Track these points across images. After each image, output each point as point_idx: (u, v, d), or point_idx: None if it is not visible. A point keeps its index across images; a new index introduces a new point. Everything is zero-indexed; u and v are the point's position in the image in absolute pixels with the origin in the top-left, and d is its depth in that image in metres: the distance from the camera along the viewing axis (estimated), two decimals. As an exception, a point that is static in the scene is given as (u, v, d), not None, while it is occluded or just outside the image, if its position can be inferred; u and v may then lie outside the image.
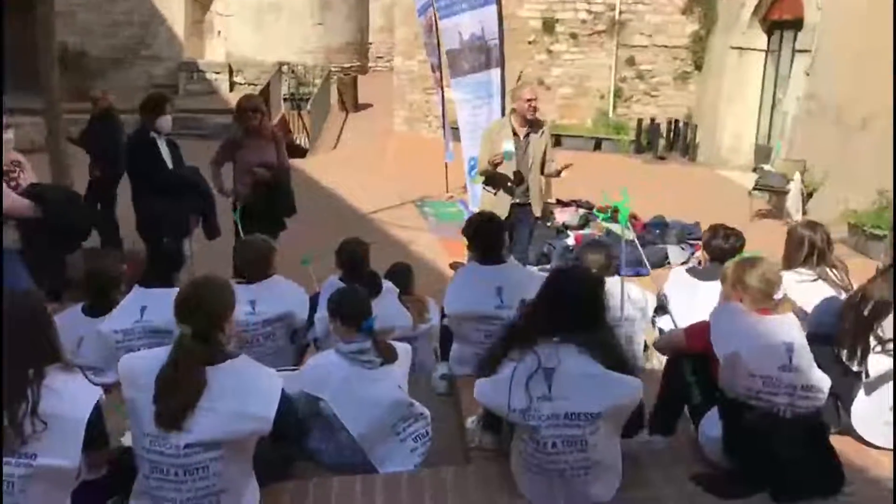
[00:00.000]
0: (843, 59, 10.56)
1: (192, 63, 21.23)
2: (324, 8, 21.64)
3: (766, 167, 11.18)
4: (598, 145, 15.87)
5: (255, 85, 19.29)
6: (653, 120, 15.74)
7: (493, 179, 6.14)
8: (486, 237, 4.22)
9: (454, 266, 5.45)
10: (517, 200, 6.15)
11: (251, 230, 6.44)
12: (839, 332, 3.16)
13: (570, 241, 8.80)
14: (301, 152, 16.54)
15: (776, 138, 12.73)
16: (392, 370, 3.40)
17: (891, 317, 3.03)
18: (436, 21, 9.19)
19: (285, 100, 19.18)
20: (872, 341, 3.06)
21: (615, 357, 2.86)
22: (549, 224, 9.34)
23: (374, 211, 11.12)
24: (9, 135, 4.70)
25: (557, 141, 15.73)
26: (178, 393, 2.69)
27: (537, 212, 6.33)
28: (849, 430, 3.23)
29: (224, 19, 21.47)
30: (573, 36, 16.12)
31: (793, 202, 10.43)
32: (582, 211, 9.68)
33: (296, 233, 7.01)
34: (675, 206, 10.64)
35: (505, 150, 5.89)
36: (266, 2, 21.10)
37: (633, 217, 9.82)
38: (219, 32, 21.76)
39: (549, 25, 16.08)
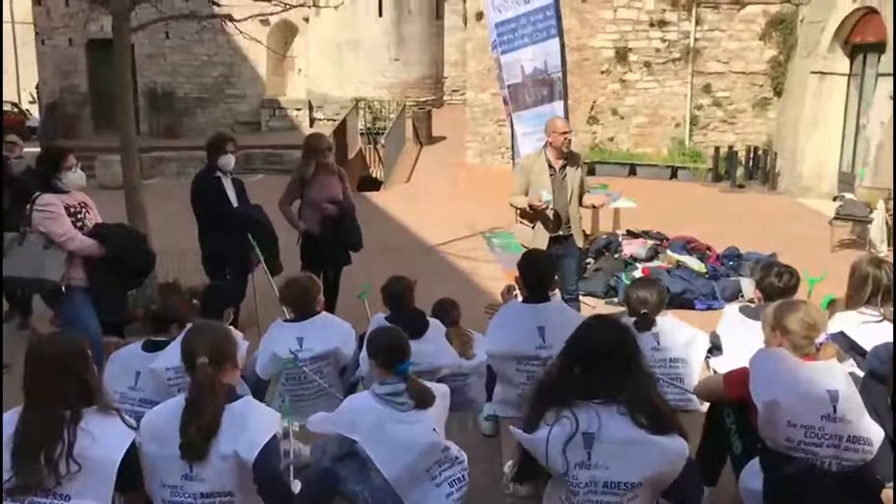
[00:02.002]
0: (930, 82, 10.10)
1: (273, 100, 21.94)
2: (400, 43, 22.07)
3: (848, 195, 10.73)
4: (674, 174, 15.62)
5: (334, 120, 19.76)
6: (731, 147, 15.36)
7: (527, 214, 6.10)
8: (534, 275, 4.16)
9: (489, 310, 5.39)
10: (559, 233, 6.09)
11: (318, 266, 6.62)
12: (892, 378, 2.95)
13: (638, 273, 8.60)
14: (375, 185, 16.81)
15: (860, 165, 12.23)
16: (426, 413, 3.36)
17: None
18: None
19: (361, 134, 19.56)
20: None
21: (658, 415, 2.67)
22: (616, 256, 9.17)
23: (442, 242, 11.16)
24: (77, 172, 4.91)
25: (632, 170, 15.61)
26: (202, 416, 2.79)
27: (579, 243, 6.24)
28: (908, 485, 3.02)
29: (305, 57, 22.12)
30: (647, 64, 15.96)
31: (877, 232, 9.96)
32: (651, 243, 9.46)
33: (362, 265, 7.09)
34: (752, 237, 10.33)
35: (544, 198, 5.85)
36: (344, 39, 21.65)
37: (708, 248, 9.60)
38: (299, 70, 22.42)
39: (621, 55, 15.98)
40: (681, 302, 8.06)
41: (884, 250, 10.04)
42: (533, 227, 6.15)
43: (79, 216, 4.89)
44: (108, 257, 4.84)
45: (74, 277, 4.81)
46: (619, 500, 2.63)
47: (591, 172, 15.38)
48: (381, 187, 16.53)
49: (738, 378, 2.98)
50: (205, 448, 2.78)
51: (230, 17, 7.62)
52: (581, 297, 7.32)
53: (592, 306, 7.45)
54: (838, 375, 2.84)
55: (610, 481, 2.62)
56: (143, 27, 7.47)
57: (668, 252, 9.23)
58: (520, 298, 4.43)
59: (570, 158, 6.12)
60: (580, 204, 6.26)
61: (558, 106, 8.43)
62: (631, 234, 9.98)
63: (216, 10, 7.96)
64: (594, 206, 6.30)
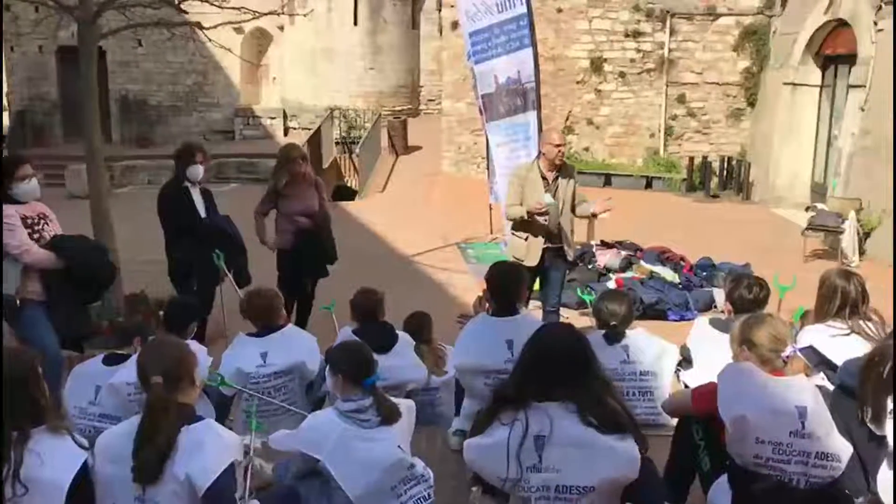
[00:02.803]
0: (899, 93, 10.18)
1: (247, 109, 21.78)
2: (375, 52, 22.01)
3: (820, 206, 10.79)
4: (648, 184, 15.66)
5: (309, 129, 19.67)
6: (705, 158, 15.45)
7: (523, 225, 6.03)
8: (503, 287, 4.09)
9: (461, 320, 5.33)
10: (549, 245, 6.02)
11: (294, 278, 6.53)
12: (861, 392, 2.91)
13: (612, 284, 8.56)
14: (351, 195, 16.73)
15: (832, 176, 12.32)
16: (391, 430, 3.28)
17: None
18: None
19: (336, 144, 19.46)
20: (890, 404, 2.80)
21: (611, 417, 2.67)
22: (590, 267, 9.14)
23: (417, 253, 11.09)
24: (31, 183, 4.77)
25: (608, 180, 15.61)
26: (156, 439, 2.69)
27: (570, 255, 6.16)
28: (878, 501, 2.97)
29: (279, 65, 21.99)
30: (622, 75, 16.01)
31: (848, 242, 10.03)
32: (624, 253, 9.44)
33: (336, 276, 7.00)
34: (726, 247, 10.35)
35: (547, 202, 5.79)
36: (319, 47, 21.56)
37: (681, 259, 9.59)
38: (274, 79, 22.29)
39: (596, 65, 16.01)
40: (654, 313, 8.05)
41: (855, 260, 10.10)
42: (526, 240, 6.09)
43: (36, 227, 4.75)
44: (65, 270, 4.70)
45: (31, 291, 4.67)
46: None
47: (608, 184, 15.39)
48: (356, 197, 16.44)
49: (707, 393, 2.93)
50: (158, 471, 2.69)
51: (199, 25, 7.51)
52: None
53: (566, 317, 7.40)
54: (806, 390, 2.80)
55: (562, 485, 2.60)
56: (110, 34, 7.36)
57: (642, 263, 9.22)
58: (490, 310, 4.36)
59: (562, 170, 6.07)
60: (574, 214, 6.20)
61: (532, 116, 8.41)
62: (605, 245, 9.95)
63: (186, 17, 7.84)
64: (594, 216, 6.21)
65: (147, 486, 2.70)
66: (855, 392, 2.92)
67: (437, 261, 10.65)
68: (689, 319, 7.96)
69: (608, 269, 9.08)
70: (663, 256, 9.59)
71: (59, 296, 4.71)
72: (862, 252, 10.30)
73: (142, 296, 7.51)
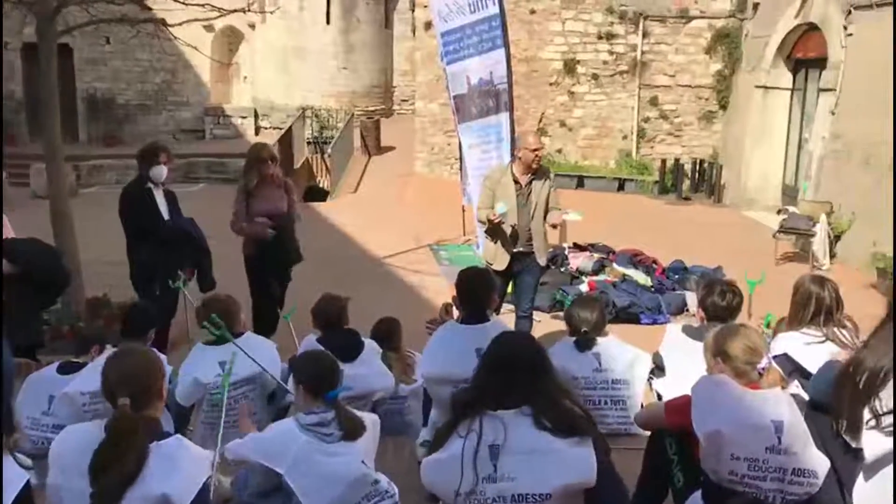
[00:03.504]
0: (868, 97, 10.24)
1: (218, 108, 21.50)
2: (348, 52, 21.84)
3: (791, 209, 10.82)
4: (621, 186, 15.67)
5: (281, 129, 19.45)
6: (677, 160, 15.48)
7: (493, 230, 5.93)
8: (472, 294, 3.97)
9: (430, 326, 5.21)
10: (520, 249, 5.91)
11: (258, 282, 6.37)
12: (836, 405, 2.83)
13: (584, 287, 8.50)
14: (322, 196, 16.54)
15: (803, 179, 12.38)
16: (355, 445, 3.15)
17: (889, 388, 2.68)
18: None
19: (308, 143, 19.26)
20: (867, 414, 2.72)
21: (567, 420, 2.59)
22: (562, 270, 9.07)
23: (389, 255, 10.95)
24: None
25: (580, 182, 15.60)
26: (118, 466, 2.52)
27: (542, 260, 6.05)
28: (854, 516, 2.90)
29: (250, 64, 21.72)
30: (595, 77, 16.00)
31: (819, 245, 10.06)
32: (597, 256, 9.38)
33: (305, 279, 6.85)
34: (698, 249, 10.35)
35: (498, 210, 5.69)
36: (291, 46, 21.34)
37: (654, 262, 9.56)
38: (245, 77, 22.02)
39: (570, 67, 15.99)
40: (627, 316, 8.00)
41: (826, 263, 10.15)
42: (495, 242, 5.99)
43: (-13, 230, 4.57)
44: (17, 275, 4.52)
45: (-19, 296, 4.48)
46: None
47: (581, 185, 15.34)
48: (327, 198, 16.26)
49: (680, 406, 2.83)
50: (120, 496, 2.52)
51: (164, 22, 7.32)
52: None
53: (538, 320, 7.32)
54: (783, 403, 2.71)
55: (518, 493, 2.53)
56: (70, 30, 7.14)
57: (615, 265, 9.17)
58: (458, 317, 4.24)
59: (537, 173, 5.96)
60: (545, 220, 6.10)
61: (504, 118, 8.31)
62: (577, 248, 9.90)
63: (152, 13, 7.64)
64: (553, 226, 6.12)
65: None
66: (826, 407, 2.85)
67: (408, 262, 10.53)
68: (661, 323, 7.92)
69: (581, 272, 9.01)
70: (636, 259, 9.56)
71: (11, 302, 4.51)
72: (833, 255, 10.34)
73: (104, 299, 7.32)
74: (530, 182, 5.88)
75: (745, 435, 2.65)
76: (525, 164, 5.85)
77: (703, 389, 2.79)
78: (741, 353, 2.78)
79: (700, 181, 15.48)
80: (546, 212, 5.99)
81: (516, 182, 5.87)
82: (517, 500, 2.52)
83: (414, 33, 19.10)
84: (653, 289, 8.69)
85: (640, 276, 8.98)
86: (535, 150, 5.78)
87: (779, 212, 11.11)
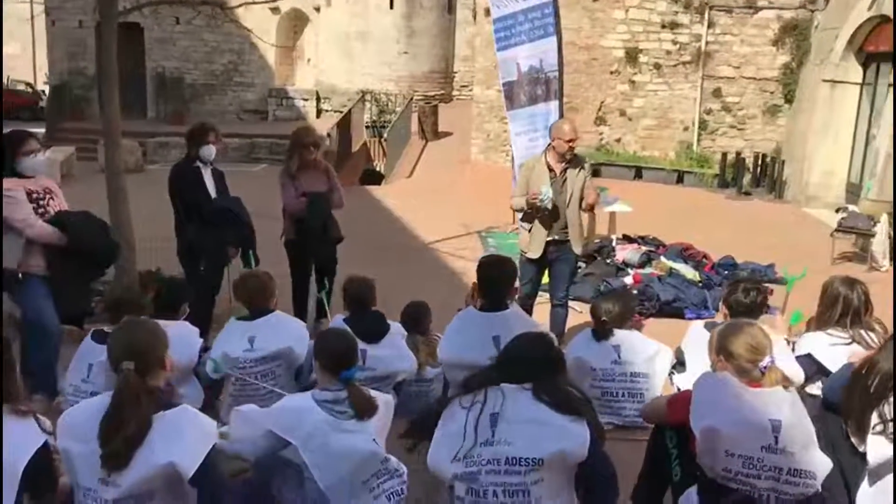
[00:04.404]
0: (940, 94, 9.85)
1: (281, 90, 21.84)
2: (410, 36, 21.92)
3: (852, 207, 10.49)
4: (680, 179, 15.39)
5: (341, 112, 19.69)
6: (738, 154, 15.14)
7: (527, 215, 5.92)
8: (489, 282, 4.00)
9: None
10: (554, 237, 5.89)
11: (298, 265, 6.51)
12: (846, 406, 2.79)
13: (629, 279, 8.42)
14: (378, 179, 16.71)
15: (868, 177, 11.99)
16: (367, 423, 3.23)
17: None
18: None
19: (367, 127, 19.44)
20: (875, 419, 2.67)
21: (565, 399, 2.69)
22: (608, 262, 9.00)
23: (436, 240, 11.02)
24: (37, 158, 4.80)
25: (638, 173, 15.40)
26: (124, 428, 2.66)
27: (577, 249, 6.01)
28: (860, 520, 2.85)
29: (314, 47, 21.99)
30: (657, 66, 15.73)
31: (879, 246, 9.73)
32: (644, 249, 9.27)
33: (349, 261, 6.93)
34: (753, 246, 10.12)
35: (542, 191, 5.64)
36: (354, 30, 21.52)
37: (704, 256, 9.41)
38: (308, 60, 22.31)
39: (632, 55, 15.74)
40: (671, 310, 7.89)
41: (886, 265, 9.81)
42: (529, 230, 5.98)
43: (41, 202, 4.77)
44: (68, 246, 4.73)
45: (33, 265, 4.70)
46: (522, 479, 2.60)
47: (597, 174, 15.20)
48: (382, 182, 16.42)
49: (681, 402, 2.83)
50: (127, 459, 2.66)
51: (222, 6, 7.49)
52: (571, 303, 7.17)
53: (580, 311, 7.30)
54: (783, 404, 2.68)
55: (512, 457, 2.62)
56: (131, 11, 7.38)
57: (662, 259, 9.04)
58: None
59: (572, 161, 5.92)
60: (580, 208, 6.06)
61: (553, 106, 8.27)
62: (626, 239, 9.80)
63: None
64: (591, 207, 6.05)
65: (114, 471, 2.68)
66: (838, 408, 2.81)
67: (455, 249, 10.56)
68: (708, 317, 7.79)
69: (626, 264, 8.92)
70: (686, 253, 9.41)
71: (61, 271, 4.73)
72: (894, 257, 10.00)
73: (155, 273, 7.56)
74: (565, 170, 5.85)
75: (740, 433, 2.64)
76: (559, 154, 5.82)
77: (704, 386, 2.78)
78: (744, 352, 2.76)
79: (762, 176, 15.11)
80: (581, 200, 5.96)
81: (551, 170, 5.85)
82: (510, 462, 2.61)
83: (475, 18, 19.07)
84: (700, 284, 8.55)
85: (689, 271, 8.84)
86: (570, 140, 5.72)
87: (838, 210, 10.78)
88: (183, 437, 2.68)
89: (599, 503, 2.72)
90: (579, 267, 8.78)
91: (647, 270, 8.80)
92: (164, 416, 2.71)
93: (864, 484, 2.72)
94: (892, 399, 2.62)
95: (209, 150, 6.16)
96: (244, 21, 21.12)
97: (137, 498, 2.63)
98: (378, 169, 17.75)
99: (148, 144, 18.30)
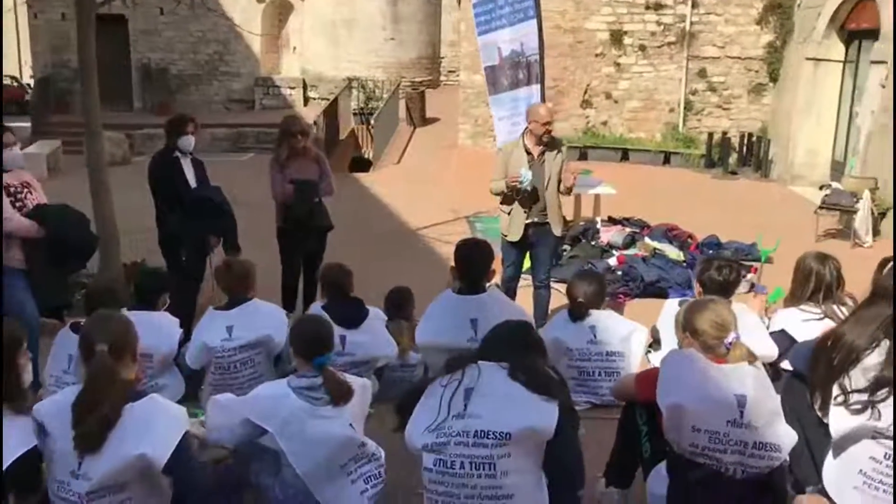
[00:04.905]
0: (921, 70, 9.89)
1: (267, 79, 21.75)
2: (396, 22, 21.83)
3: (835, 185, 10.55)
4: (667, 159, 15.43)
5: (328, 99, 19.61)
6: (724, 134, 15.17)
7: (507, 198, 5.96)
8: (466, 264, 4.03)
9: None
10: (534, 220, 5.93)
11: (286, 253, 6.52)
12: (812, 377, 2.83)
13: (613, 261, 8.47)
14: (366, 166, 16.69)
15: (851, 155, 12.04)
16: (343, 408, 3.25)
17: (859, 366, 2.66)
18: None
19: (355, 114, 19.38)
20: (836, 390, 2.71)
21: (540, 380, 2.72)
22: (593, 244, 9.03)
23: (425, 226, 11.04)
24: (13, 152, 4.79)
25: (625, 155, 15.42)
26: (98, 408, 2.68)
27: (556, 231, 6.06)
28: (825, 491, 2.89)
29: (300, 35, 21.89)
30: (642, 48, 15.72)
31: (861, 223, 9.80)
32: (629, 230, 9.31)
33: (338, 248, 6.93)
34: (738, 224, 10.16)
35: (522, 173, 5.68)
36: (340, 17, 21.41)
37: (689, 236, 9.45)
38: (294, 48, 22.22)
39: (616, 37, 15.72)
40: (655, 291, 7.94)
41: (869, 241, 9.90)
42: (509, 213, 6.02)
43: (19, 196, 4.78)
44: (47, 239, 4.74)
45: (11, 258, 4.71)
46: (489, 452, 2.63)
47: (584, 157, 15.25)
48: (370, 168, 16.41)
49: (649, 379, 2.87)
50: (101, 439, 2.68)
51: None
52: (554, 285, 7.21)
53: (564, 293, 7.34)
54: (748, 378, 2.71)
55: (480, 430, 2.64)
56: (108, 1, 7.32)
57: (646, 240, 9.09)
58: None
59: (549, 144, 5.96)
60: (559, 191, 6.10)
61: (535, 89, 8.29)
62: (611, 221, 9.83)
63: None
64: (568, 189, 6.08)
65: (84, 461, 2.69)
66: (805, 377, 2.85)
67: (443, 234, 10.58)
68: (691, 297, 7.83)
69: (611, 246, 8.96)
70: (671, 233, 9.45)
71: (40, 265, 4.74)
72: (876, 233, 10.07)
73: (140, 264, 7.57)
74: (543, 153, 5.88)
75: (706, 408, 2.67)
76: (536, 137, 5.85)
77: (670, 363, 2.82)
78: (709, 328, 2.80)
79: (748, 155, 15.16)
80: (559, 183, 5.99)
81: (529, 154, 5.88)
82: (478, 435, 2.63)
83: (459, 3, 18.99)
84: (685, 263, 8.60)
85: (673, 251, 8.88)
86: (545, 123, 5.76)
87: (821, 187, 10.84)
88: (153, 428, 2.69)
89: (557, 492, 2.74)
90: (564, 250, 8.85)
91: (632, 251, 8.85)
92: (132, 408, 2.72)
93: (829, 456, 2.77)
94: (853, 372, 2.65)
95: (188, 141, 6.16)
96: (229, 11, 21.12)
97: (110, 489, 2.64)
98: (366, 156, 17.73)
99: (135, 136, 18.22)
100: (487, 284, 4.12)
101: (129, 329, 2.97)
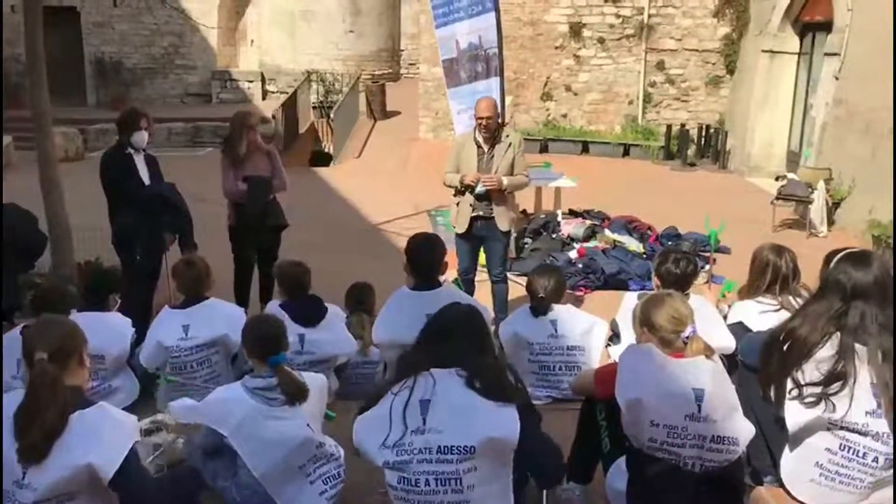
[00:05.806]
0: (872, 62, 10.05)
1: (225, 72, 21.44)
2: (356, 15, 21.65)
3: (791, 175, 10.71)
4: (626, 152, 15.53)
5: (287, 93, 19.38)
6: (683, 126, 15.31)
7: (457, 190, 5.99)
8: (418, 260, 3.99)
9: None
10: (479, 213, 5.94)
11: (239, 251, 6.42)
12: (763, 371, 2.84)
13: (574, 254, 8.49)
14: (327, 160, 16.55)
15: (806, 146, 12.23)
16: (300, 408, 3.20)
17: (812, 360, 2.69)
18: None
19: (314, 108, 19.19)
20: (789, 384, 2.73)
21: (496, 385, 2.66)
22: (554, 236, 9.05)
23: (386, 220, 10.98)
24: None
25: (585, 147, 15.48)
26: (40, 418, 2.60)
27: (503, 226, 6.04)
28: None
29: (257, 28, 21.61)
30: (601, 41, 15.78)
31: (817, 213, 9.97)
32: (589, 223, 9.35)
33: (297, 244, 6.85)
34: (697, 216, 10.25)
35: (479, 189, 5.73)
36: (298, 9, 21.18)
37: (649, 228, 9.52)
38: (252, 41, 21.93)
39: (576, 30, 15.77)
40: (615, 283, 7.98)
41: (824, 230, 10.07)
42: (458, 205, 6.03)
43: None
44: (-7, 238, 4.60)
45: (-43, 260, 4.57)
46: (454, 468, 2.57)
47: (545, 150, 15.29)
48: (330, 162, 16.27)
49: (607, 374, 2.86)
50: (45, 450, 2.60)
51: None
52: (514, 277, 7.21)
53: (524, 286, 7.35)
54: (705, 372, 2.72)
55: (443, 445, 2.58)
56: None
57: (606, 232, 9.14)
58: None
59: (501, 138, 5.95)
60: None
61: (494, 83, 8.23)
62: (572, 214, 9.87)
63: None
64: (501, 190, 6.03)
65: (29, 471, 2.60)
66: (755, 369, 2.86)
67: (404, 228, 10.51)
68: (650, 290, 7.89)
69: (572, 238, 8.99)
70: (631, 226, 9.52)
71: (-14, 265, 4.60)
72: (831, 222, 10.25)
73: (95, 264, 7.39)
74: (493, 147, 5.89)
75: (664, 403, 2.67)
76: (486, 129, 5.87)
77: (628, 359, 2.81)
78: (665, 323, 2.80)
79: (706, 147, 15.32)
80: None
81: (479, 147, 5.89)
82: (442, 451, 2.57)
83: (419, -4, 18.91)
84: (644, 255, 8.66)
85: (633, 243, 8.95)
86: (483, 118, 5.79)
87: (777, 178, 10.99)
88: (101, 437, 2.62)
89: (545, 486, 2.72)
90: (525, 243, 8.87)
91: (592, 244, 8.89)
92: (81, 416, 2.64)
93: (786, 450, 2.79)
94: (805, 366, 2.67)
95: (141, 137, 6.01)
96: (184, 2, 20.73)
97: (58, 498, 2.56)
98: (326, 150, 17.58)
99: (88, 132, 17.84)
100: (443, 279, 4.08)
101: (74, 333, 2.86)
